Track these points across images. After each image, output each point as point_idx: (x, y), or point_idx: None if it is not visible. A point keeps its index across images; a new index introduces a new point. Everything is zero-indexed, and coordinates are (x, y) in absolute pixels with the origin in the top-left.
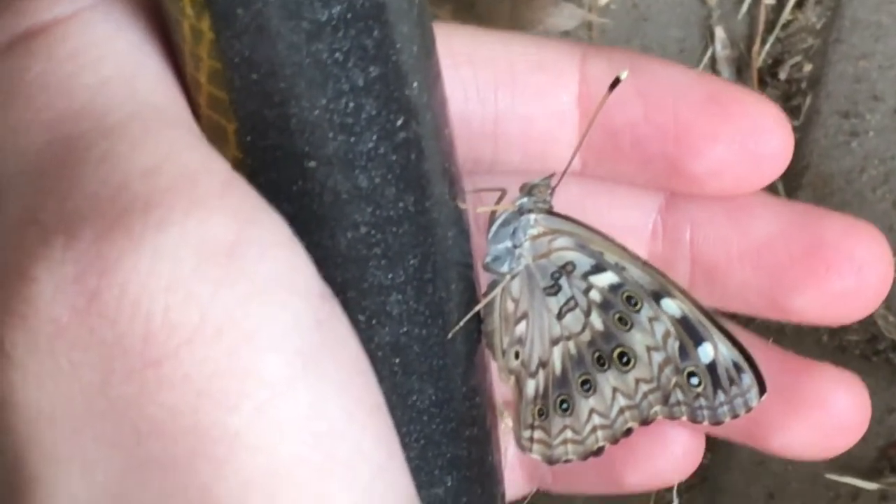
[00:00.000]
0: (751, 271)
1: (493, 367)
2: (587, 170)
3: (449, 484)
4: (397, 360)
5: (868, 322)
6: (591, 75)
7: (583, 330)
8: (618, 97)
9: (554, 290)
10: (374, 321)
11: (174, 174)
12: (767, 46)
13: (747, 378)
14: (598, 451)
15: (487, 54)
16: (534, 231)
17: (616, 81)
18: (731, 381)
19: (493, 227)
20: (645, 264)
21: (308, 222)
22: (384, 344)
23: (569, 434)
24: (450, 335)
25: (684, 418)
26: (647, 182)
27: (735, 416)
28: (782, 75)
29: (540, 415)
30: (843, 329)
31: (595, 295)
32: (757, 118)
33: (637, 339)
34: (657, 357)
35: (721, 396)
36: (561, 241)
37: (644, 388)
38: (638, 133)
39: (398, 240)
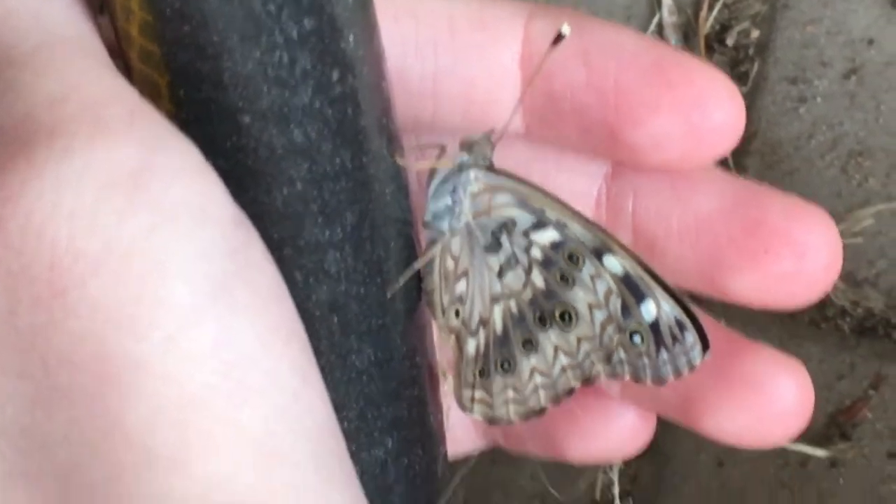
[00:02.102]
0: (689, 248)
1: (434, 327)
2: (531, 132)
3: (389, 445)
4: (335, 319)
5: None
6: (536, 36)
7: (524, 288)
8: (560, 60)
9: (494, 247)
10: (311, 279)
11: (80, 103)
12: (714, 13)
13: (690, 336)
14: (541, 411)
15: (430, 9)
16: (474, 188)
17: (559, 37)
18: (674, 340)
19: (433, 184)
20: (586, 221)
21: (243, 178)
22: (322, 302)
23: (510, 394)
24: (389, 294)
25: (627, 377)
26: (590, 150)
27: (679, 375)
28: (730, 41)
29: (481, 374)
30: None
31: (536, 252)
32: (703, 89)
33: (579, 298)
34: (599, 315)
35: (664, 355)
36: (501, 198)
37: (586, 346)
38: (579, 98)
39: (335, 196)
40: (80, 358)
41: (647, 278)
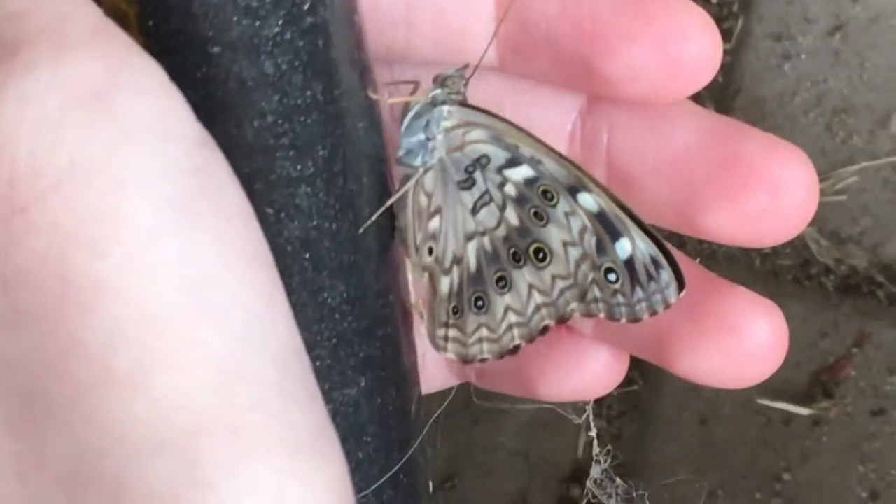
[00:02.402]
0: (664, 183)
1: (408, 265)
2: (506, 65)
3: (362, 384)
4: (307, 255)
5: (801, 246)
6: None
7: (498, 225)
8: None
9: (468, 183)
10: (282, 214)
11: (43, 18)
12: None
13: (665, 274)
14: (515, 350)
15: None
16: (447, 123)
17: None
18: (650, 277)
19: (406, 120)
20: (561, 157)
21: (213, 110)
22: (293, 238)
23: (484, 332)
24: (361, 230)
25: (602, 315)
26: (565, 82)
27: (654, 313)
28: None
29: (454, 312)
30: (776, 253)
31: (510, 189)
32: (680, 22)
33: (553, 235)
34: (574, 253)
35: (639, 293)
36: (475, 134)
37: (560, 284)
38: (553, 28)
39: (306, 129)
40: (40, 277)
41: (622, 215)
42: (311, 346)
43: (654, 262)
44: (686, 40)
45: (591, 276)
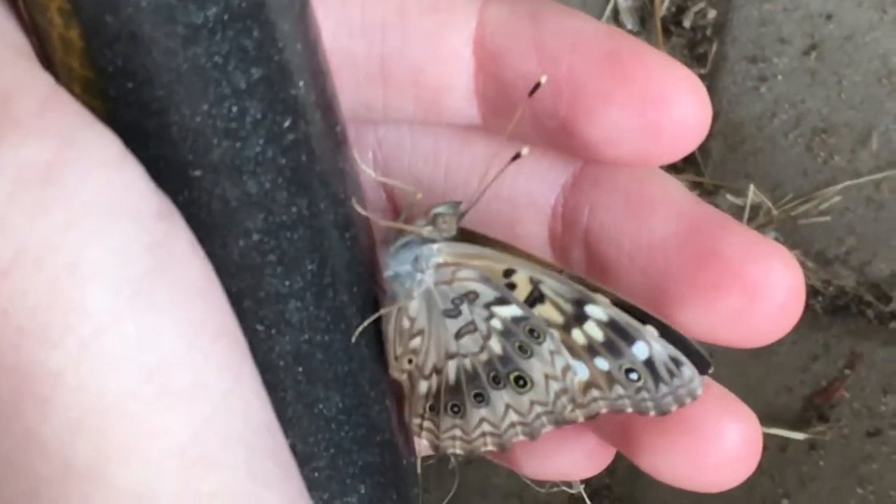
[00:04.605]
0: (639, 272)
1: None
2: (488, 124)
3: (363, 491)
4: (300, 369)
5: None
6: (490, 21)
7: (480, 351)
8: (512, 48)
9: (454, 313)
10: (273, 330)
11: None
12: None
13: (687, 370)
14: (486, 453)
15: None
16: (437, 259)
17: (537, 86)
18: (672, 374)
19: (394, 248)
20: (562, 273)
21: (197, 232)
22: (285, 353)
23: (457, 433)
24: (353, 339)
25: (630, 411)
26: (546, 143)
27: (682, 405)
28: (687, 23)
29: (431, 409)
30: None
31: (496, 323)
32: (661, 82)
33: (536, 367)
34: (555, 385)
35: (663, 388)
36: (465, 273)
37: (538, 409)
38: (530, 88)
39: (293, 245)
40: None
41: (633, 322)
42: (309, 457)
43: (674, 360)
44: (668, 102)
45: (569, 408)
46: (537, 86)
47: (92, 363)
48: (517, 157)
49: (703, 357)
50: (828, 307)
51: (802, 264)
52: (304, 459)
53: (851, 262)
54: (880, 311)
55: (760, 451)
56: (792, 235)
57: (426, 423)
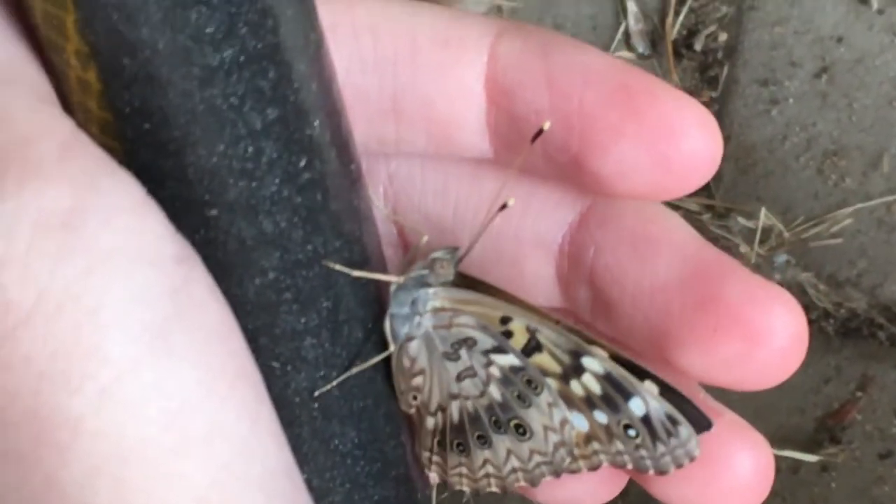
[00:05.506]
0: (641, 314)
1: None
2: (499, 158)
3: None
4: (316, 405)
5: (798, 291)
6: (502, 55)
7: (481, 395)
8: (523, 82)
9: (454, 357)
10: (289, 367)
11: (8, 141)
12: (681, 18)
13: (684, 430)
14: (491, 492)
15: (391, 26)
16: (434, 304)
17: (539, 132)
18: (669, 434)
19: (393, 289)
20: (558, 323)
21: (213, 271)
22: (301, 389)
23: (463, 470)
24: (367, 376)
25: (630, 467)
26: (557, 178)
27: (680, 466)
28: (698, 46)
29: (439, 444)
30: None
31: (495, 371)
32: (671, 116)
33: (535, 417)
34: (553, 437)
35: (661, 447)
36: (463, 319)
37: (538, 458)
38: (541, 123)
39: (309, 283)
40: (14, 415)
41: (630, 378)
42: (325, 492)
43: (671, 418)
44: (678, 136)
45: (567, 461)
46: (540, 131)
47: (111, 409)
48: (504, 207)
49: (703, 416)
50: (839, 329)
51: (814, 287)
52: (320, 495)
53: (863, 285)
54: (892, 333)
55: (772, 478)
56: (803, 258)
57: (435, 458)
